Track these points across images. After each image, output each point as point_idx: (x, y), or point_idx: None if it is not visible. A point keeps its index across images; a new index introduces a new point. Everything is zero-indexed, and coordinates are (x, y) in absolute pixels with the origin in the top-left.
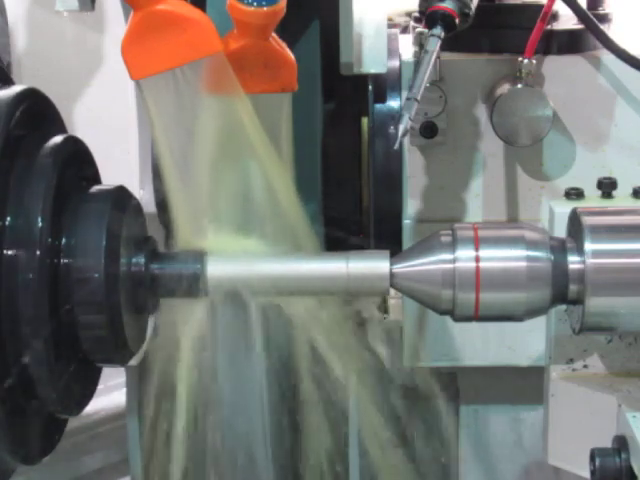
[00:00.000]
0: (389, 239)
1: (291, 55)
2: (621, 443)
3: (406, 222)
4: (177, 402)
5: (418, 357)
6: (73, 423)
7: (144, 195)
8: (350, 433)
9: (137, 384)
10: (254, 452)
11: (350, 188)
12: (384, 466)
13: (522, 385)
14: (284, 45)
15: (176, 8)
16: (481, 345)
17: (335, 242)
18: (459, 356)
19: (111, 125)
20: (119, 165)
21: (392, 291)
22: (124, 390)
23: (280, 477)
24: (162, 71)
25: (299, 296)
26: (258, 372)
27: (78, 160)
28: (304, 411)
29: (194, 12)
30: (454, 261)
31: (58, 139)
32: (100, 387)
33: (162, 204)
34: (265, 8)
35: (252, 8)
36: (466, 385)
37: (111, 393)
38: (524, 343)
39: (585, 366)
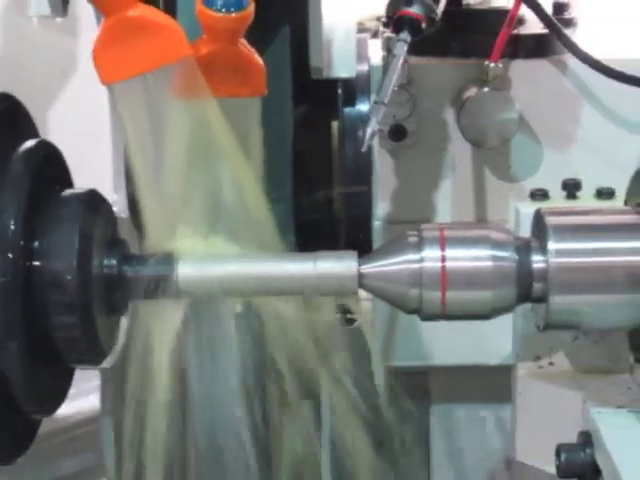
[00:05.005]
0: (360, 240)
1: (260, 60)
2: (586, 438)
3: (376, 223)
4: (151, 404)
5: (389, 357)
6: (49, 426)
7: (118, 199)
8: (322, 435)
9: (111, 387)
10: (230, 452)
11: (321, 191)
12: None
13: (493, 384)
14: (253, 50)
15: (146, 14)
16: (451, 344)
17: (306, 244)
18: (429, 356)
19: (85, 130)
20: (93, 169)
21: (365, 292)
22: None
23: (255, 476)
24: (133, 76)
25: (267, 296)
26: (234, 372)
27: (51, 164)
28: (281, 411)
29: (164, 18)
30: (421, 261)
31: (31, 143)
32: (76, 390)
33: (135, 208)
34: (233, 14)
35: (220, 14)
36: (437, 384)
37: (87, 396)
38: (493, 342)
39: (551, 363)
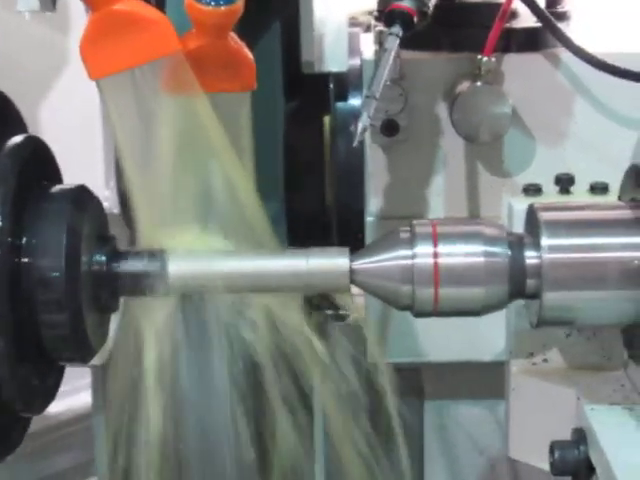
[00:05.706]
0: (353, 237)
1: (249, 54)
2: (580, 435)
3: (369, 219)
4: (142, 401)
5: (382, 353)
6: (41, 424)
7: (110, 195)
8: (315, 431)
9: (103, 384)
10: (220, 451)
11: (312, 186)
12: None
13: (487, 380)
14: (242, 44)
15: (134, 8)
16: (445, 341)
17: (298, 240)
18: (423, 352)
19: (76, 125)
20: (85, 165)
21: (358, 289)
22: None
23: (246, 474)
24: (120, 71)
25: (259, 293)
26: (223, 369)
27: (39, 160)
28: (271, 409)
29: (152, 12)
30: (413, 257)
31: (18, 139)
32: (68, 387)
33: (125, 204)
34: (222, 7)
35: (209, 7)
36: (430, 381)
37: (79, 393)
38: (487, 339)
39: (545, 360)
